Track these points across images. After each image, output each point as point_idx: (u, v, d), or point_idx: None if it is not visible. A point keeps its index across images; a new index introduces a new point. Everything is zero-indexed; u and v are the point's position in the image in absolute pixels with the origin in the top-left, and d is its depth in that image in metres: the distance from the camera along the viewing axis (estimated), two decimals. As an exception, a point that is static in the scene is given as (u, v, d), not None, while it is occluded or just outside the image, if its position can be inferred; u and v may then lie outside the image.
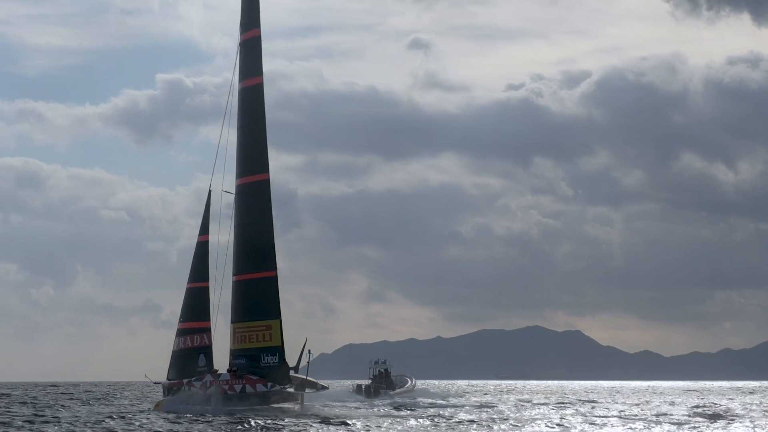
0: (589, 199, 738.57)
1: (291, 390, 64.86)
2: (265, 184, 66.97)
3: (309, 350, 65.75)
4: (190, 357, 66.97)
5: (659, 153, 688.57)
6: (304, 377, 65.54)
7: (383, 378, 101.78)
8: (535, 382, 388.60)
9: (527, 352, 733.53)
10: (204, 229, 68.53)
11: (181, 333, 67.56)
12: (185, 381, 65.98)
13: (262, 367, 64.72)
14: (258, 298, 65.69)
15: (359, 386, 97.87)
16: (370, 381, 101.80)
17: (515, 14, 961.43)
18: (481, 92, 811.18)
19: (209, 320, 67.13)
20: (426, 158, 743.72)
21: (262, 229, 66.49)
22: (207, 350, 66.82)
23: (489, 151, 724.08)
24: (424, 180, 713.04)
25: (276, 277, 65.83)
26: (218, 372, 65.65)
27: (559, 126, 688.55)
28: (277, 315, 65.15)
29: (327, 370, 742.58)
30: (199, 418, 57.05)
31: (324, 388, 66.87)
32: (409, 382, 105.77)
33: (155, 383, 68.50)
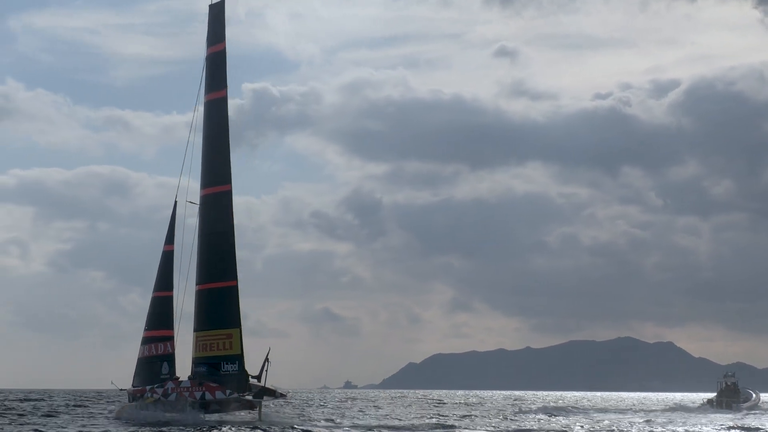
0: (677, 209, 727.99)
1: (249, 398, 65.67)
2: (228, 195, 68.11)
3: (268, 359, 66.51)
4: (154, 364, 68.32)
5: (749, 162, 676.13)
6: (263, 385, 66.16)
7: (732, 391, 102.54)
8: (641, 395, 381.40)
9: (618, 363, 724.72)
10: (169, 239, 69.94)
11: (145, 341, 69.01)
12: (148, 388, 67.29)
13: (222, 374, 65.67)
14: (219, 307, 66.69)
15: (709, 400, 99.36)
16: (716, 394, 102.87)
17: (603, 23, 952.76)
18: (568, 101, 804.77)
19: (173, 329, 68.45)
20: (512, 167, 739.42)
21: (223, 239, 67.61)
22: (170, 358, 68.12)
23: (576, 160, 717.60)
24: (510, 189, 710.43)
25: (236, 286, 66.84)
26: (179, 379, 66.85)
27: (647, 135, 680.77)
28: (237, 324, 66.08)
29: (416, 380, 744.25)
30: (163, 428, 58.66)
31: (283, 396, 67.48)
32: (754, 396, 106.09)
33: (121, 390, 69.92)
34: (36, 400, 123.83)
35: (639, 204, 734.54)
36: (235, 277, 66.89)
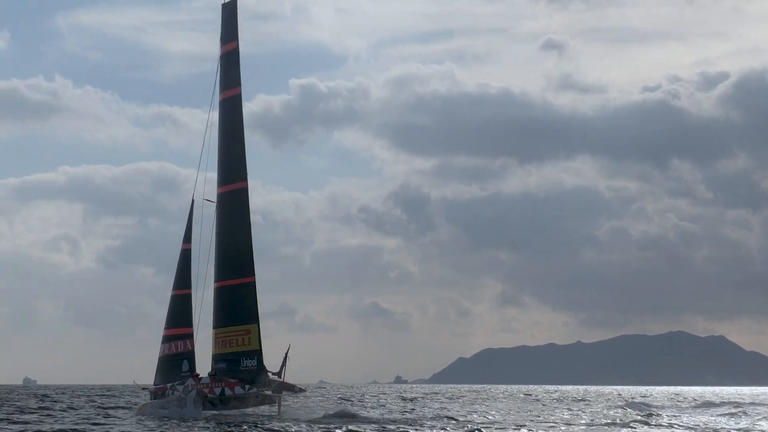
0: (727, 201, 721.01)
1: (268, 393, 66.13)
2: (243, 192, 68.65)
3: (287, 355, 66.94)
4: (174, 362, 68.98)
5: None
6: (282, 380, 66.62)
7: None
8: (698, 389, 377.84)
9: (670, 357, 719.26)
10: (187, 238, 70.54)
11: (165, 339, 69.68)
12: (168, 385, 67.97)
13: (241, 370, 66.19)
14: (237, 304, 67.22)
15: None
16: None
17: (650, 16, 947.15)
18: (617, 94, 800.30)
19: (192, 326, 69.02)
20: (561, 161, 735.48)
21: (240, 237, 68.13)
22: (190, 356, 68.71)
23: (625, 153, 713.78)
24: (559, 183, 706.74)
25: (254, 282, 67.30)
26: (199, 376, 67.44)
27: (696, 128, 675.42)
28: (255, 319, 66.58)
29: (466, 374, 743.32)
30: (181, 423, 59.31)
31: (302, 390, 67.86)
32: None
33: (143, 388, 70.55)
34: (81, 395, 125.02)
35: (688, 197, 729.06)
36: (252, 273, 67.33)
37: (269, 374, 66.24)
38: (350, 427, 53.77)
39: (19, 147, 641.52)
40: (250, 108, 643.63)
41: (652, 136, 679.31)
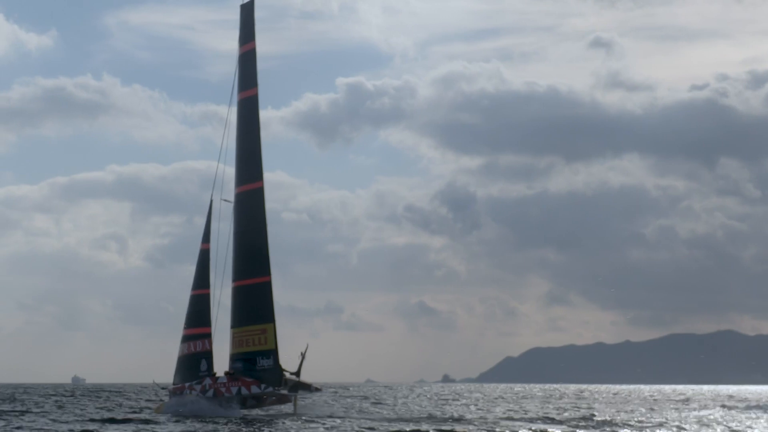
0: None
1: (284, 392, 66.28)
2: (260, 192, 68.84)
3: (303, 354, 67.02)
4: (193, 362, 69.31)
5: None
6: (298, 379, 66.73)
7: None
8: (751, 387, 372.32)
9: (719, 356, 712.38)
10: (205, 238, 70.84)
11: (185, 339, 70.02)
12: (187, 385, 68.35)
13: (258, 369, 66.44)
14: (254, 303, 67.48)
15: None
16: None
17: (698, 14, 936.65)
18: (665, 92, 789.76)
19: (210, 326, 69.33)
20: (608, 159, 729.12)
21: (256, 236, 68.36)
22: (208, 355, 69.02)
23: (673, 152, 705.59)
24: (606, 182, 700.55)
25: (270, 282, 67.47)
26: (216, 375, 67.77)
27: (745, 126, 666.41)
28: (271, 319, 66.77)
29: (514, 374, 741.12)
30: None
31: (318, 390, 67.90)
32: None
33: (162, 388, 71.01)
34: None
35: (737, 195, 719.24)
36: (268, 273, 67.53)
37: (286, 373, 66.45)
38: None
39: (67, 145, 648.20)
40: (297, 107, 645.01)
41: (699, 134, 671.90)
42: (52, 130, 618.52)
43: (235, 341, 67.84)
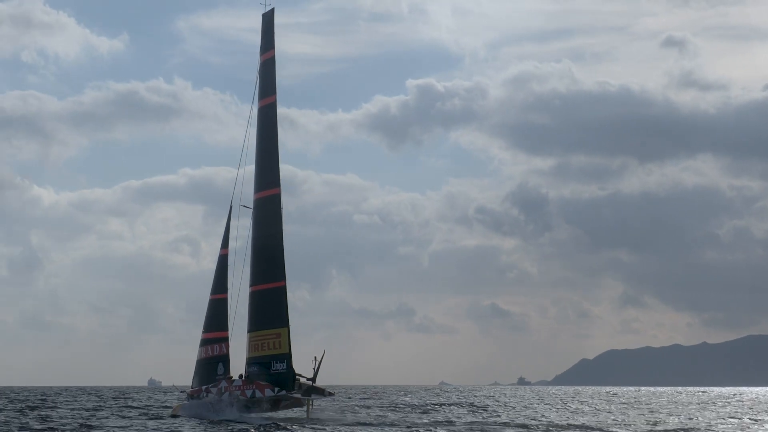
0: None
1: (298, 396, 67.03)
2: (276, 198, 69.80)
3: (316, 358, 67.64)
4: (210, 366, 70.63)
5: None
6: (312, 384, 67.35)
7: None
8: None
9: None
10: (225, 243, 72.14)
11: (203, 343, 71.36)
12: (203, 387, 69.62)
13: (272, 373, 67.38)
14: (269, 308, 68.39)
15: None
16: None
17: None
18: (739, 92, 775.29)
19: (227, 330, 70.53)
20: (682, 160, 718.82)
21: (272, 241, 69.32)
22: (225, 359, 70.25)
23: (747, 152, 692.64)
24: (679, 182, 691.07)
25: (285, 287, 68.33)
26: (232, 378, 68.92)
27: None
28: (285, 323, 67.60)
29: (589, 376, 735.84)
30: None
31: (331, 394, 68.52)
32: None
33: (181, 391, 72.33)
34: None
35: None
36: (283, 278, 68.35)
37: (300, 378, 67.22)
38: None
39: (140, 149, 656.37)
40: (367, 109, 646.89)
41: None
42: (125, 134, 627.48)
43: (251, 345, 68.82)
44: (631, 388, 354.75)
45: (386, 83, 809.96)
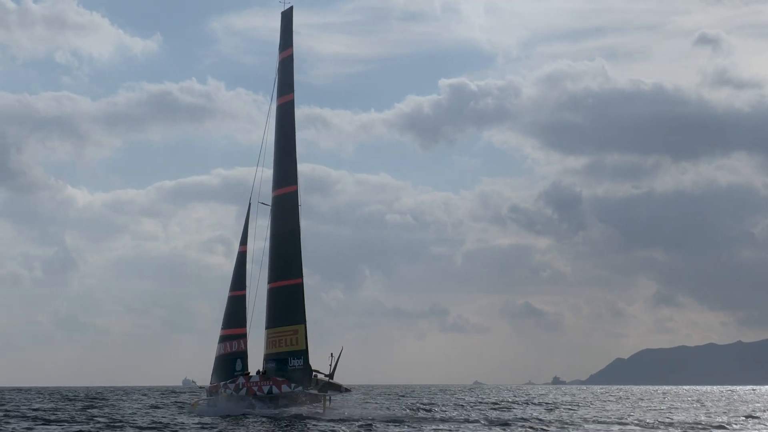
0: None
1: (314, 392, 67.41)
2: (294, 196, 70.25)
3: (332, 355, 67.91)
4: (229, 362, 71.14)
5: None
6: (328, 380, 67.69)
7: None
8: None
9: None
10: (243, 240, 72.59)
11: (222, 339, 71.89)
12: (222, 384, 70.14)
13: (289, 369, 67.86)
14: (286, 304, 68.88)
15: None
16: None
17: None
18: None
19: (245, 327, 71.02)
20: (716, 158, 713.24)
21: (290, 238, 69.78)
22: (243, 355, 70.74)
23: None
24: (714, 181, 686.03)
25: (302, 283, 68.73)
26: (249, 375, 69.40)
27: None
28: (302, 320, 68.05)
29: (625, 375, 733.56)
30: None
31: (347, 390, 68.82)
32: None
33: (200, 387, 72.85)
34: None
35: None
36: (300, 275, 68.77)
37: (317, 374, 67.60)
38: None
39: (173, 149, 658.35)
40: (400, 109, 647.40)
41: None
42: (158, 135, 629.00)
43: (269, 342, 69.32)
44: (686, 387, 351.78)
45: (419, 83, 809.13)
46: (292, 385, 66.84)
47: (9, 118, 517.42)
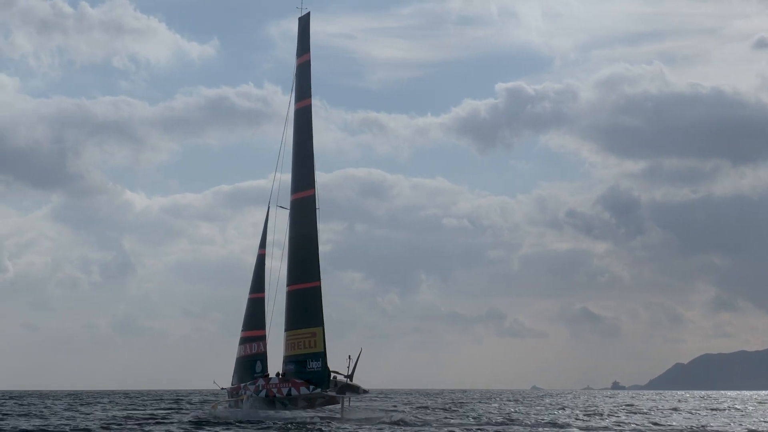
0: None
1: (333, 394, 67.95)
2: (311, 199, 70.95)
3: (349, 357, 68.41)
4: (249, 363, 72.04)
5: None
6: (346, 381, 68.17)
7: None
8: None
9: None
10: (263, 243, 73.50)
11: (242, 341, 72.83)
12: (242, 385, 71.00)
13: (308, 372, 68.51)
14: (304, 307, 69.55)
15: None
16: None
17: None
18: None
19: (265, 329, 71.86)
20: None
21: (307, 242, 70.49)
22: (263, 357, 71.59)
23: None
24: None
25: (319, 287, 69.36)
26: (269, 376, 70.17)
27: None
28: (320, 323, 68.66)
29: (685, 380, 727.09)
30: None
31: (365, 392, 69.23)
32: None
33: (222, 388, 73.77)
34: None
35: None
36: (318, 278, 69.40)
37: (336, 376, 68.14)
38: None
39: (230, 154, 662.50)
40: (457, 113, 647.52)
41: None
42: (215, 139, 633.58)
43: (288, 344, 70.04)
44: (747, 393, 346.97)
45: (475, 87, 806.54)
46: (311, 387, 67.43)
47: (67, 123, 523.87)
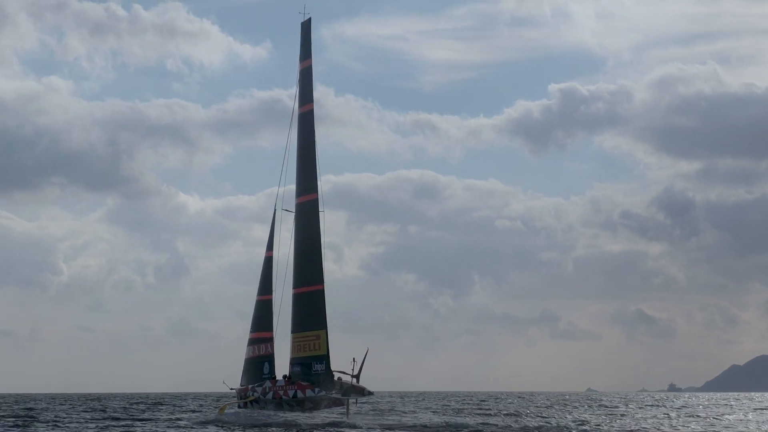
0: None
1: (338, 396, 68.48)
2: (315, 204, 71.64)
3: (354, 360, 68.92)
4: (257, 365, 72.90)
5: None
6: (352, 383, 68.57)
7: None
8: None
9: None
10: (270, 246, 74.31)
11: (251, 342, 73.73)
12: (249, 386, 71.83)
13: (312, 374, 69.16)
14: (309, 310, 70.25)
15: None
16: None
17: None
18: None
19: (272, 331, 72.68)
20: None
21: (311, 246, 71.21)
22: (270, 358, 72.40)
23: None
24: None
25: (323, 290, 69.99)
26: (276, 378, 70.89)
27: None
28: (323, 326, 69.31)
29: (741, 382, 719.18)
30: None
31: (371, 393, 69.62)
32: None
33: (231, 389, 74.64)
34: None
35: None
36: (321, 281, 70.04)
37: (341, 377, 68.64)
38: None
39: (283, 156, 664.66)
40: (509, 114, 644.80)
41: None
42: (268, 141, 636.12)
43: (295, 346, 70.76)
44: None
45: (528, 88, 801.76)
46: (316, 389, 68.00)
47: (121, 125, 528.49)
